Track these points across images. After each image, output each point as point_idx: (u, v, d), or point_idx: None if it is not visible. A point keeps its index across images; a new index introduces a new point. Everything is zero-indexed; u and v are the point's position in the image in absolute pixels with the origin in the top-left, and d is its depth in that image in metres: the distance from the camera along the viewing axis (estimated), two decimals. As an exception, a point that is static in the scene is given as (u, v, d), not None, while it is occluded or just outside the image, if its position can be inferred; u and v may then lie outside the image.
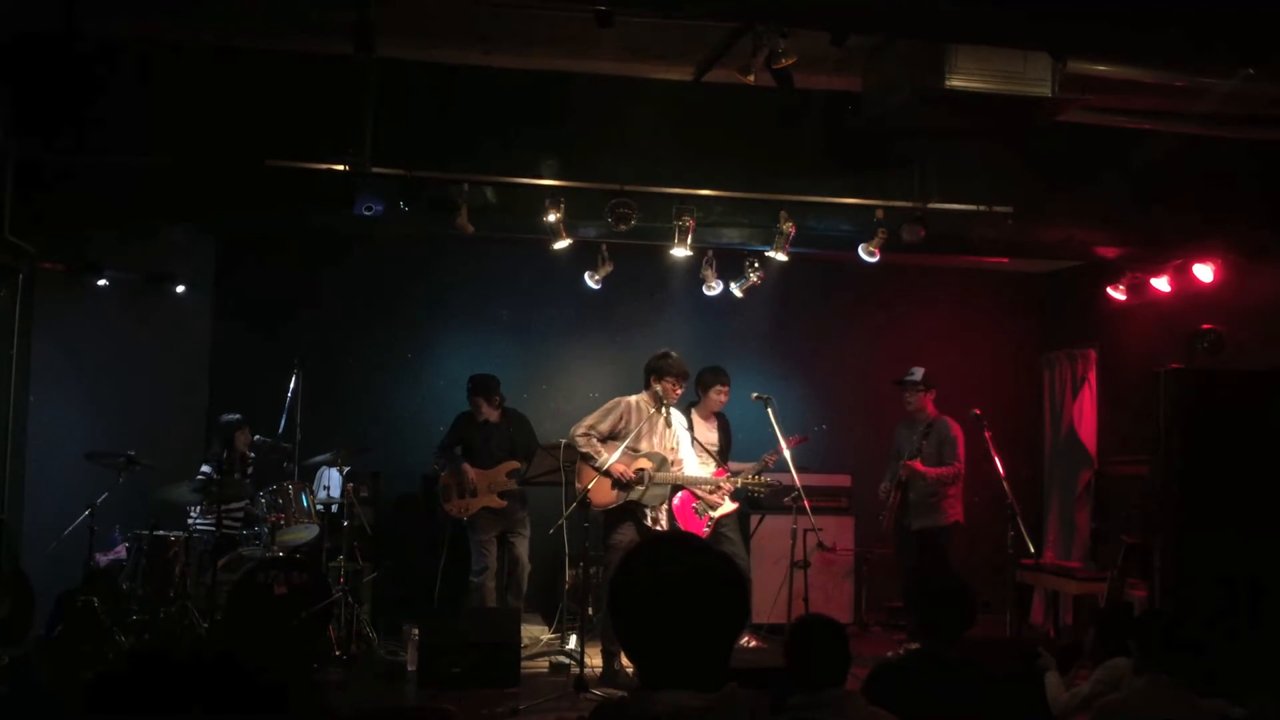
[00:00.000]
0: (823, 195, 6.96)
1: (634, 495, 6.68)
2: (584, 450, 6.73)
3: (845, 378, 9.48)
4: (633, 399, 6.90)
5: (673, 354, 6.91)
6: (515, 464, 7.62)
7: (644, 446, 6.79)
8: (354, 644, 7.18)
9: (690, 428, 7.32)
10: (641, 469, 6.72)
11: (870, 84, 6.27)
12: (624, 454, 6.64)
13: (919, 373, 7.91)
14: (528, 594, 7.75)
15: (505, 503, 7.56)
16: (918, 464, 7.64)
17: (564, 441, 7.00)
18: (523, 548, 7.64)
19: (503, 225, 7.13)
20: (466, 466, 7.55)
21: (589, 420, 6.81)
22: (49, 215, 6.63)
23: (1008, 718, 3.56)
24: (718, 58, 6.14)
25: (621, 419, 6.80)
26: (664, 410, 6.81)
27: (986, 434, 7.29)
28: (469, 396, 7.76)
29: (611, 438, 6.75)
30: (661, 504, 6.78)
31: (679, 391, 6.91)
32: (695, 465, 7.14)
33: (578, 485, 6.76)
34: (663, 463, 6.77)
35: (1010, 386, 9.54)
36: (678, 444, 6.89)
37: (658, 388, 6.82)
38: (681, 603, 1.90)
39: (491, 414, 7.73)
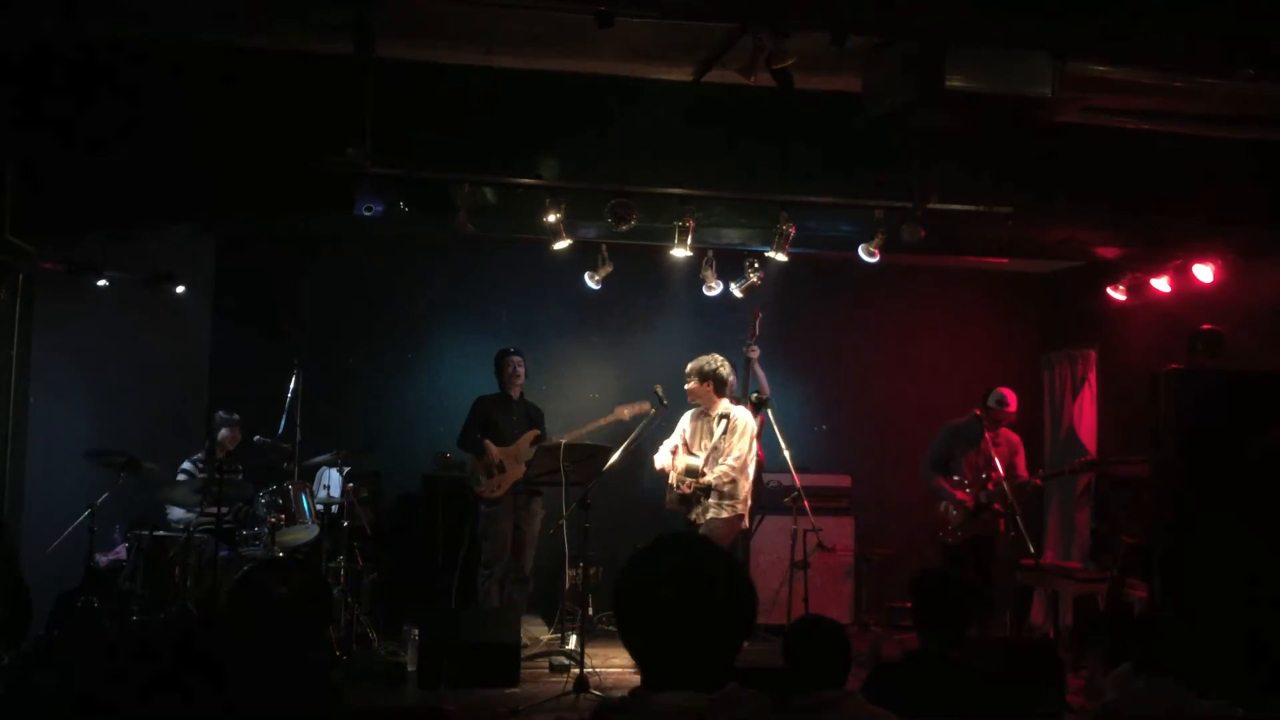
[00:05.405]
0: (823, 195, 6.95)
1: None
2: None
3: (845, 378, 9.47)
4: (688, 414, 7.44)
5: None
6: (536, 431, 7.88)
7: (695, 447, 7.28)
8: (354, 644, 7.18)
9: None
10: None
11: (870, 84, 6.27)
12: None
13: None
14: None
15: None
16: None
17: (564, 441, 7.01)
18: (532, 526, 7.82)
19: (503, 225, 7.13)
20: (489, 443, 7.76)
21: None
22: (49, 215, 6.63)
23: (1007, 718, 3.56)
24: (718, 58, 6.13)
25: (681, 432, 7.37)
26: (720, 406, 7.26)
27: (987, 434, 7.29)
28: (512, 368, 7.97)
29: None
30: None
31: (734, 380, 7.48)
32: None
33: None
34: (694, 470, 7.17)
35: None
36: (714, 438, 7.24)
37: (720, 387, 7.33)
38: (684, 603, 1.89)
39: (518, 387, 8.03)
